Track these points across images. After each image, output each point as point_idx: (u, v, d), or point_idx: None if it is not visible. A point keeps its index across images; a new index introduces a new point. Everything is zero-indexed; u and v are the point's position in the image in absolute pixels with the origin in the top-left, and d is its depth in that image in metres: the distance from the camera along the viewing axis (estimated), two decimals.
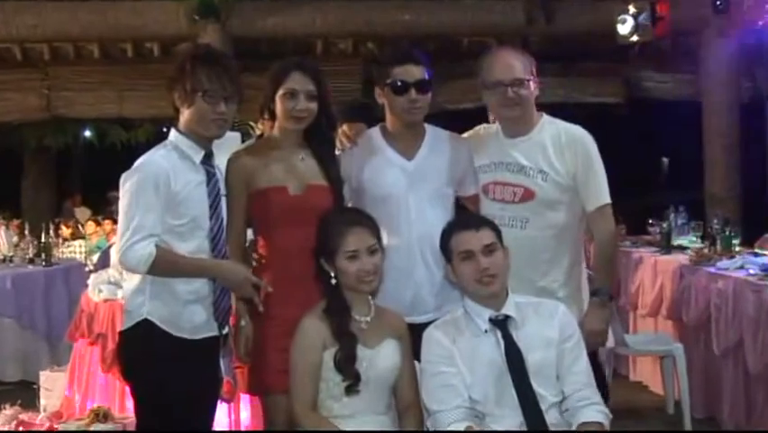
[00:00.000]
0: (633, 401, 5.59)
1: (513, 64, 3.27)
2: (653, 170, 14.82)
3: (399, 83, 3.14)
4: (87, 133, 13.49)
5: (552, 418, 2.73)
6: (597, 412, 2.75)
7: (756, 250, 5.42)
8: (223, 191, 3.03)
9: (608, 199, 3.32)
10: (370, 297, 2.93)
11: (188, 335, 2.90)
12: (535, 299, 2.97)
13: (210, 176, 2.99)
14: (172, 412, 2.87)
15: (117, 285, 4.29)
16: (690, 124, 9.05)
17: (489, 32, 9.14)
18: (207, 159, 3.00)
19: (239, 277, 2.95)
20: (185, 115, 2.96)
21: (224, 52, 3.24)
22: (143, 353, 2.93)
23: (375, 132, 3.29)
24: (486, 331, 2.81)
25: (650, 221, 6.58)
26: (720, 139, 8.60)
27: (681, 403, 5.08)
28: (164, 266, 2.85)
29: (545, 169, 3.25)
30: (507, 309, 2.83)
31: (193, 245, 2.92)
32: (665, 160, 15.44)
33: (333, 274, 2.85)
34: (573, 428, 2.74)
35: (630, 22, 8.01)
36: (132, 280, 2.96)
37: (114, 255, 4.49)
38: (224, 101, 2.93)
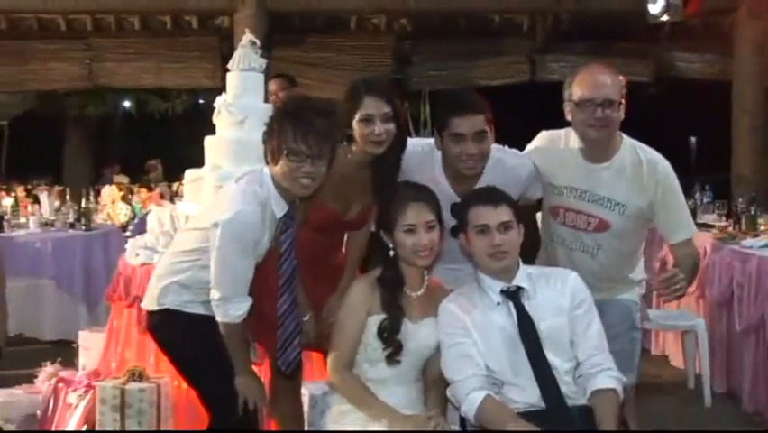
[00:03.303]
0: (654, 375, 5.59)
1: (606, 83, 3.11)
2: (680, 150, 14.66)
3: (456, 135, 3.03)
4: (127, 103, 13.57)
5: (566, 385, 2.74)
6: (609, 379, 2.75)
7: None
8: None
9: (694, 231, 3.27)
10: (425, 271, 2.95)
11: (210, 312, 2.91)
12: (547, 269, 3.00)
13: (287, 226, 2.92)
14: (213, 374, 2.95)
15: (154, 250, 4.32)
16: (719, 105, 8.92)
17: (519, 9, 9.07)
18: (289, 210, 2.92)
19: (253, 391, 2.96)
20: (274, 169, 2.86)
21: (316, 106, 2.89)
22: (169, 335, 3.02)
23: (441, 176, 3.16)
24: (498, 303, 2.82)
25: None
26: (748, 119, 8.46)
27: (702, 378, 5.07)
28: (230, 333, 2.88)
29: (624, 202, 3.14)
30: (519, 281, 2.84)
31: None
32: (693, 139, 15.27)
33: (391, 246, 2.87)
34: (587, 394, 2.74)
35: (661, 1, 7.82)
36: (161, 264, 2.97)
37: (151, 222, 4.54)
38: (309, 160, 2.80)
